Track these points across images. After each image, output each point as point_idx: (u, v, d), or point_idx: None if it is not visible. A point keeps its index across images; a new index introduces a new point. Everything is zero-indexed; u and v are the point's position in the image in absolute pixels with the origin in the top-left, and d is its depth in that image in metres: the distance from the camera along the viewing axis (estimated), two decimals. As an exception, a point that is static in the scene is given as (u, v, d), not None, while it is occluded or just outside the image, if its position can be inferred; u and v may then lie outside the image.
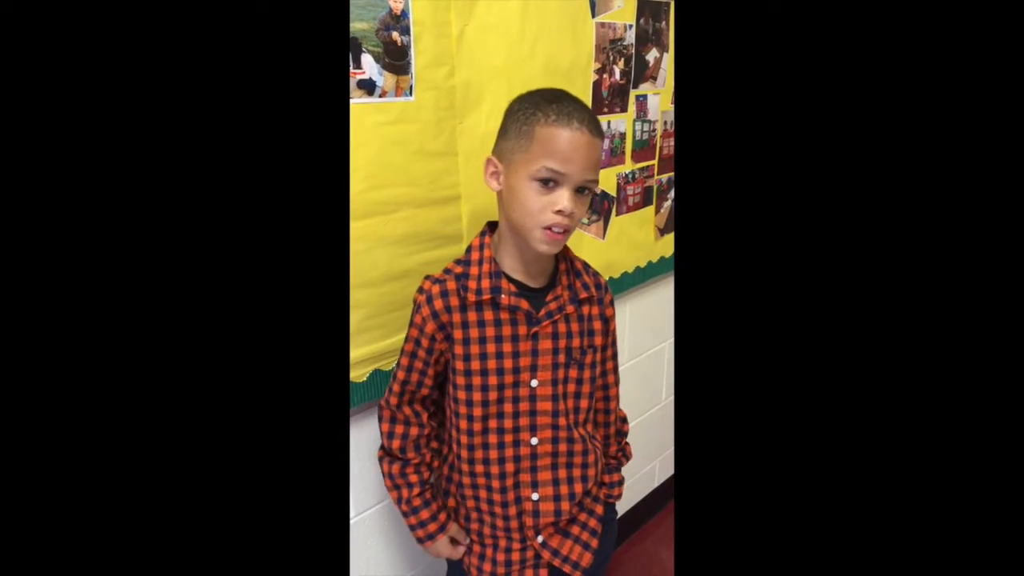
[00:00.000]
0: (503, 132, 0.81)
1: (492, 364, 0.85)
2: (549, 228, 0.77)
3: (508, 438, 0.88)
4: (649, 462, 1.77)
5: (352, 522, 1.02)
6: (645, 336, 1.58)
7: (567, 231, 0.79)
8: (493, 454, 0.88)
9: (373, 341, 0.95)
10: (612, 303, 0.95)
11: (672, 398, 1.75)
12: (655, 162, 1.40)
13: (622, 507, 1.70)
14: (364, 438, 1.00)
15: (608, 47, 1.20)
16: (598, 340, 0.92)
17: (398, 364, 0.89)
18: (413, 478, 0.91)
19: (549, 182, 0.76)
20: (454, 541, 0.95)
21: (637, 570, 1.65)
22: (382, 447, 0.93)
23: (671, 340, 1.67)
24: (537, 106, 0.77)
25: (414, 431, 0.90)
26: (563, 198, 0.76)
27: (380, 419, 0.92)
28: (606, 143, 1.26)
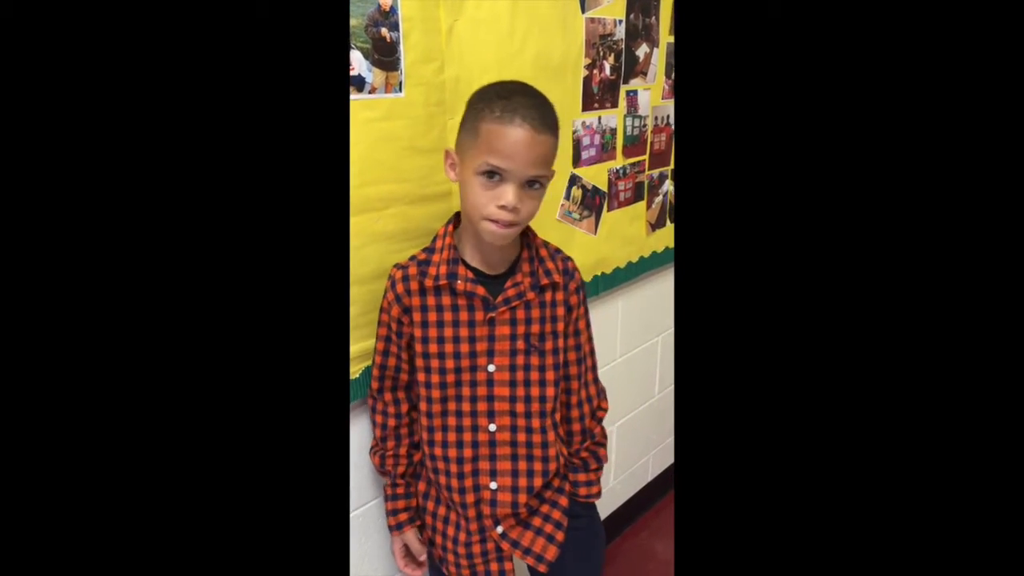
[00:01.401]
0: (461, 124, 0.83)
1: (449, 348, 0.87)
2: (494, 221, 0.79)
3: (467, 422, 0.90)
4: (642, 457, 1.77)
5: (346, 519, 1.03)
6: (637, 332, 1.58)
7: (513, 224, 0.80)
8: (452, 437, 0.90)
9: (365, 338, 0.95)
10: (579, 290, 0.94)
11: (664, 393, 1.76)
12: (646, 157, 1.41)
13: (616, 502, 1.71)
14: (357, 434, 1.00)
15: (598, 42, 1.20)
16: (560, 326, 0.92)
17: (375, 349, 0.92)
18: (389, 466, 0.95)
19: (494, 176, 0.78)
20: (410, 556, 0.98)
21: (632, 563, 1.66)
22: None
23: (663, 335, 1.68)
24: (486, 101, 0.78)
25: (391, 421, 0.94)
26: (508, 193, 0.78)
27: (369, 405, 0.97)
28: (597, 139, 1.26)
